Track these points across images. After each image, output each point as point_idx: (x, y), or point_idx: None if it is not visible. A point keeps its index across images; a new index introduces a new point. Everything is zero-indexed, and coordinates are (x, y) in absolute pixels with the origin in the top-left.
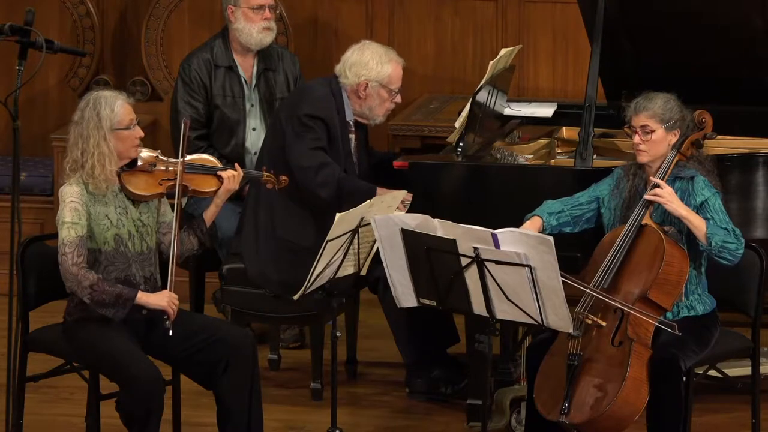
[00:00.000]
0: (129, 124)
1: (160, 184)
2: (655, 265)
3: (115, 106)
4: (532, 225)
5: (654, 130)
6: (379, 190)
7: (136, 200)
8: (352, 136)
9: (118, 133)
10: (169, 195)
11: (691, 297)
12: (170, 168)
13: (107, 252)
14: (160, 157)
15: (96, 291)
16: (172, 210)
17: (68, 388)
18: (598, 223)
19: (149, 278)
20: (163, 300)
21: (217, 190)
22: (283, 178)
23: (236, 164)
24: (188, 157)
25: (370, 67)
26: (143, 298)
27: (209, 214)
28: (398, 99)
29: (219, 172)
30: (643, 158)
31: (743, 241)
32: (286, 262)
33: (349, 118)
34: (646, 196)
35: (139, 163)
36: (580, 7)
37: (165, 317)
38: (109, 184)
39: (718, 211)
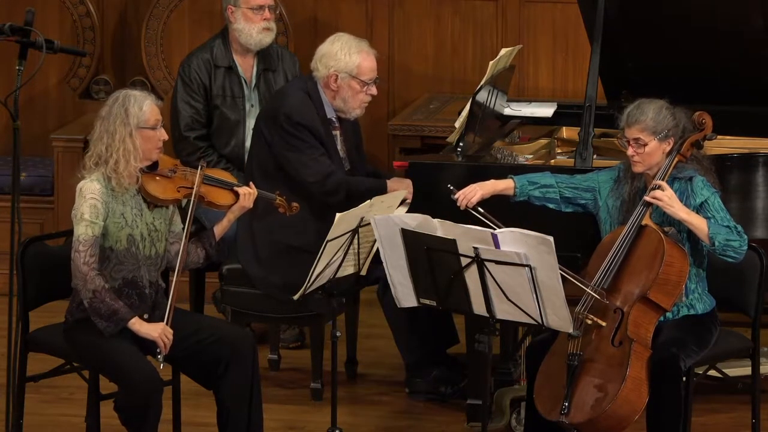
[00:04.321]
0: (155, 125)
1: (178, 191)
2: (655, 265)
3: (143, 105)
4: (494, 183)
5: (647, 143)
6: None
7: (152, 203)
8: (336, 133)
9: (144, 132)
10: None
11: (691, 296)
12: (189, 176)
13: (118, 251)
14: (179, 165)
15: (96, 298)
16: (183, 222)
17: (68, 388)
18: (589, 210)
19: (154, 283)
20: (155, 331)
21: (231, 205)
22: (295, 205)
23: (251, 183)
24: (207, 170)
25: (338, 57)
26: (136, 324)
27: (220, 229)
28: (373, 91)
29: (235, 188)
30: (638, 168)
31: (746, 237)
32: (285, 263)
33: (330, 114)
34: (646, 198)
35: (160, 166)
36: (580, 7)
37: (157, 350)
38: (131, 181)
39: (718, 210)
